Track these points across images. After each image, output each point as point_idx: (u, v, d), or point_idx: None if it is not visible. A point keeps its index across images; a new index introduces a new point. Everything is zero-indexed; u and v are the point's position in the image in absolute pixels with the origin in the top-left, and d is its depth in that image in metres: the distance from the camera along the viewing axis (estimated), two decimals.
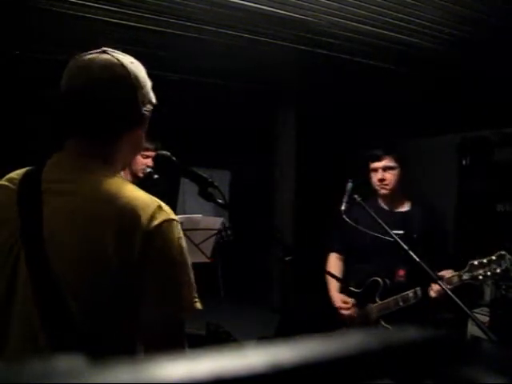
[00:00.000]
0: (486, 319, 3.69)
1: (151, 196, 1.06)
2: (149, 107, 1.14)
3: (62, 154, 1.11)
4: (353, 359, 0.30)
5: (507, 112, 4.93)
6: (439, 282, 1.66)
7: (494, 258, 2.12)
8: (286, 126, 6.55)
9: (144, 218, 0.99)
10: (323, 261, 2.84)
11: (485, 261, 2.14)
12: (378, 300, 2.51)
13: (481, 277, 2.13)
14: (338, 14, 3.79)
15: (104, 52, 1.10)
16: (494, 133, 5.52)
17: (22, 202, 1.04)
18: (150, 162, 2.87)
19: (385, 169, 2.57)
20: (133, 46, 4.76)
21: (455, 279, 2.19)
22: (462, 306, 1.55)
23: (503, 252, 2.11)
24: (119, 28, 4.11)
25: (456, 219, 5.79)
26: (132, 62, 1.11)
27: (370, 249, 2.55)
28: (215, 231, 2.52)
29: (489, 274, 2.12)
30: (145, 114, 1.13)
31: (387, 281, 2.52)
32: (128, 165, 1.28)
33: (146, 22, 4.02)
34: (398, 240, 1.84)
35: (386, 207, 2.64)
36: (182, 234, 1.06)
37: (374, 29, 4.05)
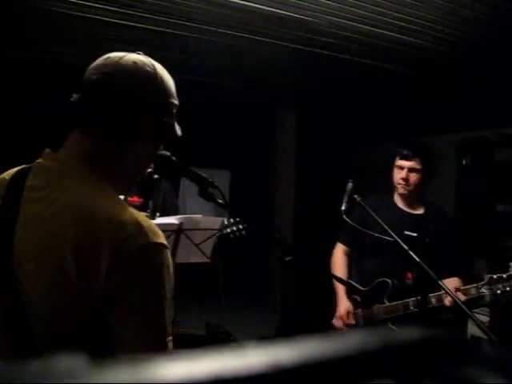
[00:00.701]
0: (486, 319, 3.69)
1: (138, 215, 0.93)
2: (164, 119, 1.02)
3: (52, 153, 1.01)
4: (353, 359, 0.30)
5: (507, 112, 4.93)
6: (440, 282, 1.66)
7: None
8: (285, 126, 6.55)
9: (117, 238, 0.87)
10: (324, 259, 2.81)
11: (504, 276, 2.14)
12: (386, 301, 2.46)
13: (499, 291, 2.13)
14: (338, 14, 3.79)
15: (136, 53, 1.06)
16: (493, 133, 5.51)
17: (3, 207, 0.97)
18: None
19: (410, 170, 2.54)
20: (133, 46, 4.76)
21: (473, 291, 2.18)
22: (462, 306, 1.55)
23: None
24: (119, 28, 4.11)
25: (456, 219, 5.79)
26: (163, 69, 1.06)
27: (380, 247, 2.53)
28: (215, 231, 2.52)
29: (508, 289, 2.11)
30: (164, 125, 1.02)
31: (396, 282, 2.47)
32: (130, 183, 1.12)
33: (145, 22, 4.02)
34: (398, 239, 1.83)
35: (402, 207, 2.62)
36: (167, 262, 0.91)
37: (373, 29, 4.05)
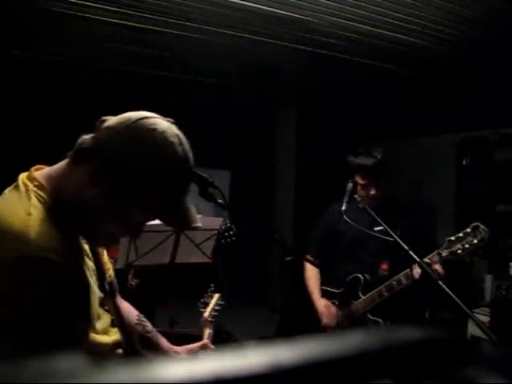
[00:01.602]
0: (486, 319, 3.68)
1: (30, 228, 0.90)
2: (142, 204, 1.00)
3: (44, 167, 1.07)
4: (353, 359, 0.30)
5: (507, 112, 4.93)
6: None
7: (468, 230, 2.19)
8: (286, 126, 6.55)
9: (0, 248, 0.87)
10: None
11: (461, 234, 2.20)
12: (361, 296, 2.56)
13: (459, 251, 2.19)
14: (338, 14, 3.79)
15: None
16: (493, 133, 5.51)
17: None
18: None
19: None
20: (133, 46, 4.77)
21: (435, 257, 2.25)
22: (462, 305, 1.55)
23: (477, 223, 2.16)
24: (119, 28, 4.11)
25: (456, 219, 5.79)
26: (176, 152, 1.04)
27: (355, 247, 2.61)
28: (216, 231, 2.52)
29: (466, 246, 2.18)
30: (128, 202, 0.99)
31: (367, 276, 2.58)
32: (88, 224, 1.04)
33: (145, 22, 4.01)
34: (399, 240, 1.83)
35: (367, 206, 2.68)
36: (39, 276, 0.86)
37: (373, 29, 4.05)
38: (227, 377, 0.27)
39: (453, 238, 2.23)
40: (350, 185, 2.29)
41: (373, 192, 2.63)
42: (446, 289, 1.66)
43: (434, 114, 5.68)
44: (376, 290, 2.49)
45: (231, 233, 2.76)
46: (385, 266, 2.59)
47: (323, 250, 2.84)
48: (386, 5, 3.58)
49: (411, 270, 2.34)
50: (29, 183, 1.00)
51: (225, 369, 0.27)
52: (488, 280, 4.46)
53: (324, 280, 2.82)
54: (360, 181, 2.63)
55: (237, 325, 4.75)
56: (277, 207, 6.52)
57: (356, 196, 2.29)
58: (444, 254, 2.23)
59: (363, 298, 2.55)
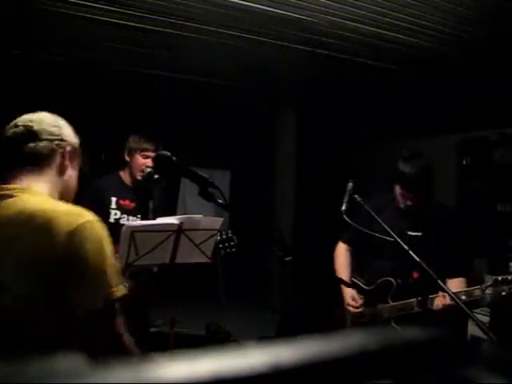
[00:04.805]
0: (486, 319, 3.68)
1: (67, 204, 1.23)
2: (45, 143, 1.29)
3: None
4: (353, 359, 0.30)
5: (507, 112, 4.93)
6: (444, 286, 1.65)
7: None
8: (286, 126, 6.55)
9: (59, 222, 1.14)
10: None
11: (509, 278, 2.13)
12: (389, 301, 2.45)
13: (504, 293, 2.12)
14: (338, 14, 3.79)
15: (16, 126, 1.30)
16: (493, 133, 5.51)
17: None
18: (150, 162, 2.87)
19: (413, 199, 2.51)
20: (132, 46, 4.77)
21: (477, 292, 2.17)
22: (462, 305, 1.55)
23: None
24: (119, 28, 4.11)
25: (457, 213, 5.79)
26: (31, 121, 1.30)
27: (386, 246, 2.51)
28: (216, 231, 2.51)
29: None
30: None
31: (400, 282, 2.46)
32: (65, 189, 1.38)
33: (145, 22, 4.02)
34: (399, 240, 1.83)
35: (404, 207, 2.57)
36: (100, 232, 1.19)
37: (373, 29, 4.05)
38: (227, 377, 0.27)
39: (499, 279, 2.14)
40: (349, 185, 2.28)
41: (409, 203, 2.50)
42: (446, 289, 1.66)
43: (434, 114, 5.68)
44: (408, 301, 2.36)
45: (232, 244, 2.71)
46: (416, 275, 2.44)
47: (357, 239, 2.67)
48: (386, 5, 3.58)
49: (436, 299, 2.23)
50: (32, 188, 1.30)
51: (225, 369, 0.27)
52: (488, 280, 4.45)
53: (359, 270, 2.70)
54: (398, 189, 2.50)
55: (237, 325, 4.76)
56: (277, 207, 6.52)
57: (356, 196, 2.27)
58: (488, 291, 2.14)
59: (391, 304, 2.44)
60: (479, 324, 1.51)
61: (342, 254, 2.75)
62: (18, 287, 1.12)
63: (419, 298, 2.30)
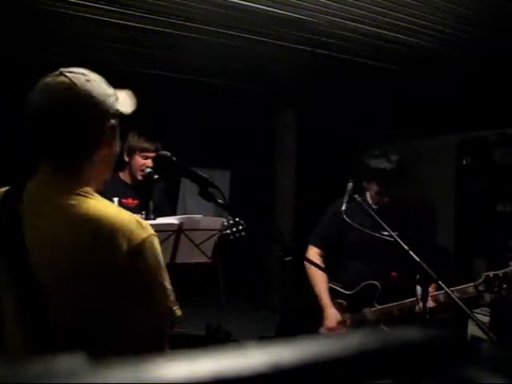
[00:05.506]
0: (486, 319, 3.68)
1: (128, 213, 1.09)
2: (112, 121, 1.12)
3: (40, 176, 1.10)
4: (353, 359, 0.30)
5: (507, 112, 4.93)
6: (440, 282, 1.65)
7: (509, 271, 2.11)
8: (285, 126, 6.55)
9: (124, 235, 1.02)
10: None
11: (500, 274, 2.12)
12: (376, 305, 2.42)
13: (496, 288, 2.11)
14: (338, 14, 3.79)
15: (60, 74, 1.12)
16: (493, 133, 5.51)
17: (2, 219, 1.06)
18: (150, 162, 2.87)
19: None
20: (132, 46, 4.77)
21: (470, 289, 2.16)
22: (462, 305, 1.55)
23: None
24: (119, 28, 4.11)
25: (456, 219, 5.79)
26: (88, 80, 1.09)
27: (362, 247, 2.48)
28: (216, 231, 2.51)
29: (504, 286, 2.10)
30: (108, 129, 1.11)
31: (381, 283, 2.44)
32: (99, 182, 1.25)
33: (145, 22, 4.02)
34: (399, 240, 1.83)
35: (375, 206, 2.56)
36: (159, 248, 1.12)
37: (373, 29, 4.05)
38: (227, 377, 0.27)
39: (491, 275, 2.13)
40: (350, 185, 2.28)
41: (386, 199, 2.51)
42: (447, 289, 1.66)
43: (434, 114, 5.68)
44: (397, 303, 2.34)
45: (240, 228, 2.68)
46: (394, 275, 2.44)
47: (329, 241, 2.66)
48: (386, 5, 3.58)
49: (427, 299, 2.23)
50: (71, 188, 1.09)
51: (225, 369, 0.27)
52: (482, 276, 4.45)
53: (335, 274, 2.65)
54: (375, 187, 2.51)
55: (237, 325, 4.75)
56: (277, 207, 6.52)
57: (356, 196, 2.27)
58: (481, 288, 2.13)
59: (379, 307, 2.41)
60: (479, 324, 1.51)
61: (316, 271, 2.61)
62: (71, 295, 1.02)
63: (419, 297, 2.28)
